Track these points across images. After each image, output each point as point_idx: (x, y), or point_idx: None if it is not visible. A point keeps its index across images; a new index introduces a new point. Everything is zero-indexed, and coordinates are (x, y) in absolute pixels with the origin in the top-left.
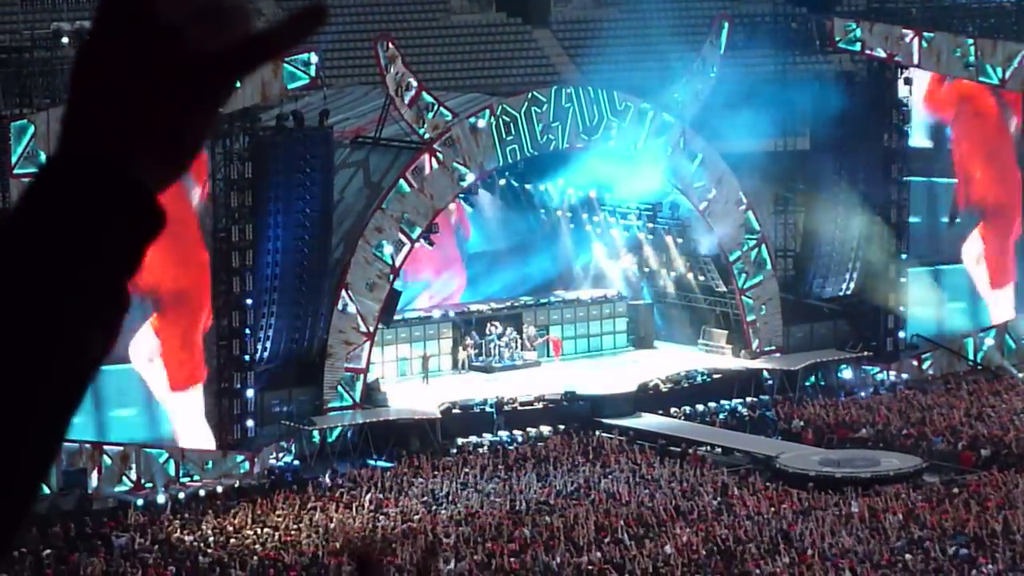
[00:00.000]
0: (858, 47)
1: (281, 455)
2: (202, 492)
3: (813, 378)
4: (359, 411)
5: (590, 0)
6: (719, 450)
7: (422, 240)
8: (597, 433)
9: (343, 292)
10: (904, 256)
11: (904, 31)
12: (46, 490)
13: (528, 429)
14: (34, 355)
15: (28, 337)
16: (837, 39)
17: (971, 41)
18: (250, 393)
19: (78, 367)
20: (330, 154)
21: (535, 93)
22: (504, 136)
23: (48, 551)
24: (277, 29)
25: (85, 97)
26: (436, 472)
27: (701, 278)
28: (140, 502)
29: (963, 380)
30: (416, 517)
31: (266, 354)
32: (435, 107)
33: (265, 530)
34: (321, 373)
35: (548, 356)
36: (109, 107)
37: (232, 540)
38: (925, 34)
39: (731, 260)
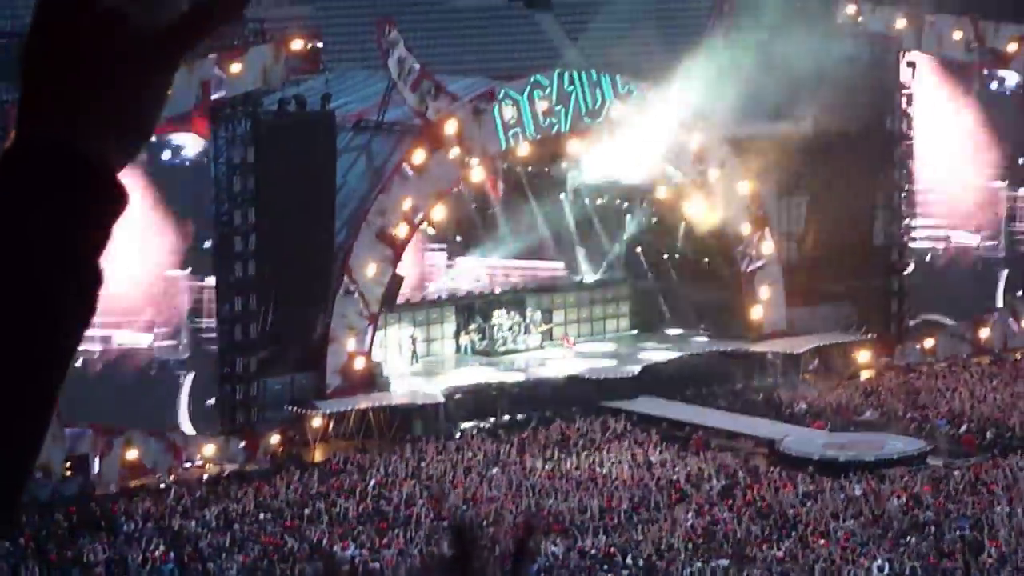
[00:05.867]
0: (861, 29)
1: (283, 440)
2: (205, 477)
3: (817, 361)
4: (362, 396)
5: None
6: (722, 433)
7: (425, 224)
8: (600, 417)
9: (346, 276)
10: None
11: (907, 13)
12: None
13: (531, 413)
14: (14, 337)
15: (6, 320)
16: (840, 21)
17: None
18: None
19: (58, 344)
20: (332, 138)
21: (538, 76)
22: (507, 120)
23: (51, 536)
24: None
25: (37, 83)
26: (440, 456)
27: (705, 261)
28: (143, 487)
29: (966, 363)
30: (419, 503)
31: (268, 339)
32: (437, 91)
33: (268, 515)
34: (324, 357)
35: (551, 341)
36: (61, 91)
37: (235, 525)
38: (927, 16)
39: (734, 243)
